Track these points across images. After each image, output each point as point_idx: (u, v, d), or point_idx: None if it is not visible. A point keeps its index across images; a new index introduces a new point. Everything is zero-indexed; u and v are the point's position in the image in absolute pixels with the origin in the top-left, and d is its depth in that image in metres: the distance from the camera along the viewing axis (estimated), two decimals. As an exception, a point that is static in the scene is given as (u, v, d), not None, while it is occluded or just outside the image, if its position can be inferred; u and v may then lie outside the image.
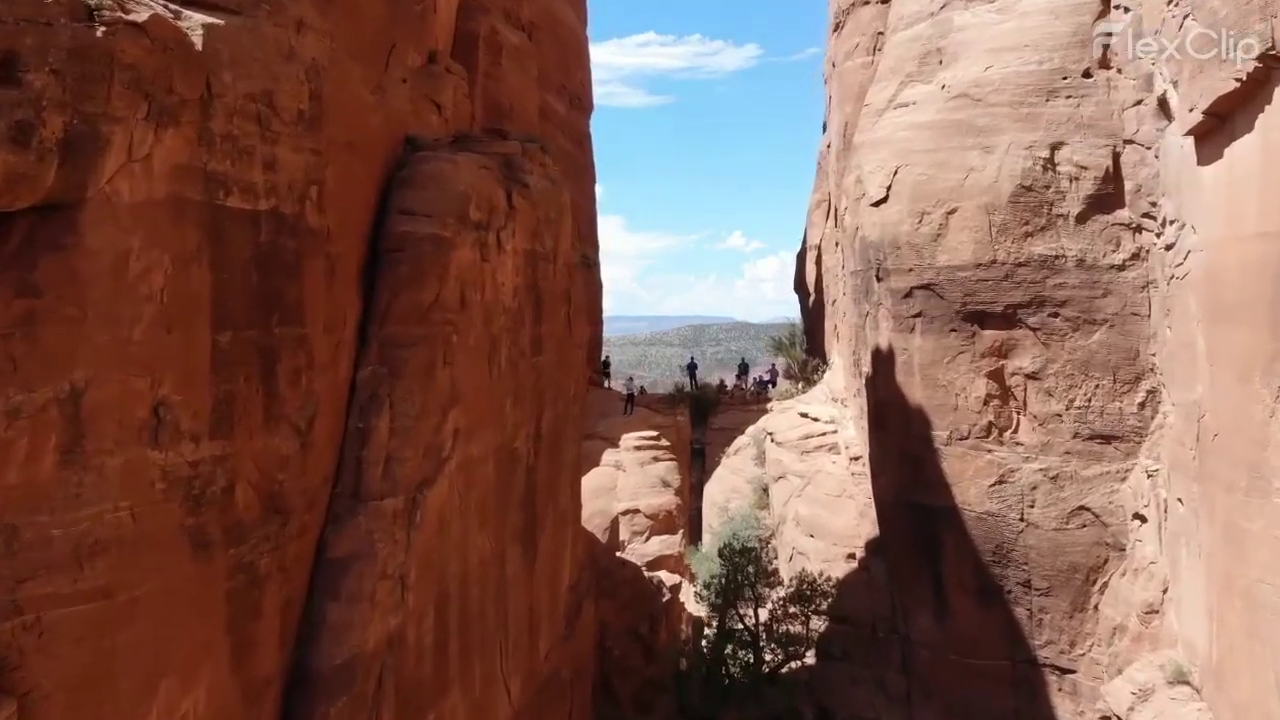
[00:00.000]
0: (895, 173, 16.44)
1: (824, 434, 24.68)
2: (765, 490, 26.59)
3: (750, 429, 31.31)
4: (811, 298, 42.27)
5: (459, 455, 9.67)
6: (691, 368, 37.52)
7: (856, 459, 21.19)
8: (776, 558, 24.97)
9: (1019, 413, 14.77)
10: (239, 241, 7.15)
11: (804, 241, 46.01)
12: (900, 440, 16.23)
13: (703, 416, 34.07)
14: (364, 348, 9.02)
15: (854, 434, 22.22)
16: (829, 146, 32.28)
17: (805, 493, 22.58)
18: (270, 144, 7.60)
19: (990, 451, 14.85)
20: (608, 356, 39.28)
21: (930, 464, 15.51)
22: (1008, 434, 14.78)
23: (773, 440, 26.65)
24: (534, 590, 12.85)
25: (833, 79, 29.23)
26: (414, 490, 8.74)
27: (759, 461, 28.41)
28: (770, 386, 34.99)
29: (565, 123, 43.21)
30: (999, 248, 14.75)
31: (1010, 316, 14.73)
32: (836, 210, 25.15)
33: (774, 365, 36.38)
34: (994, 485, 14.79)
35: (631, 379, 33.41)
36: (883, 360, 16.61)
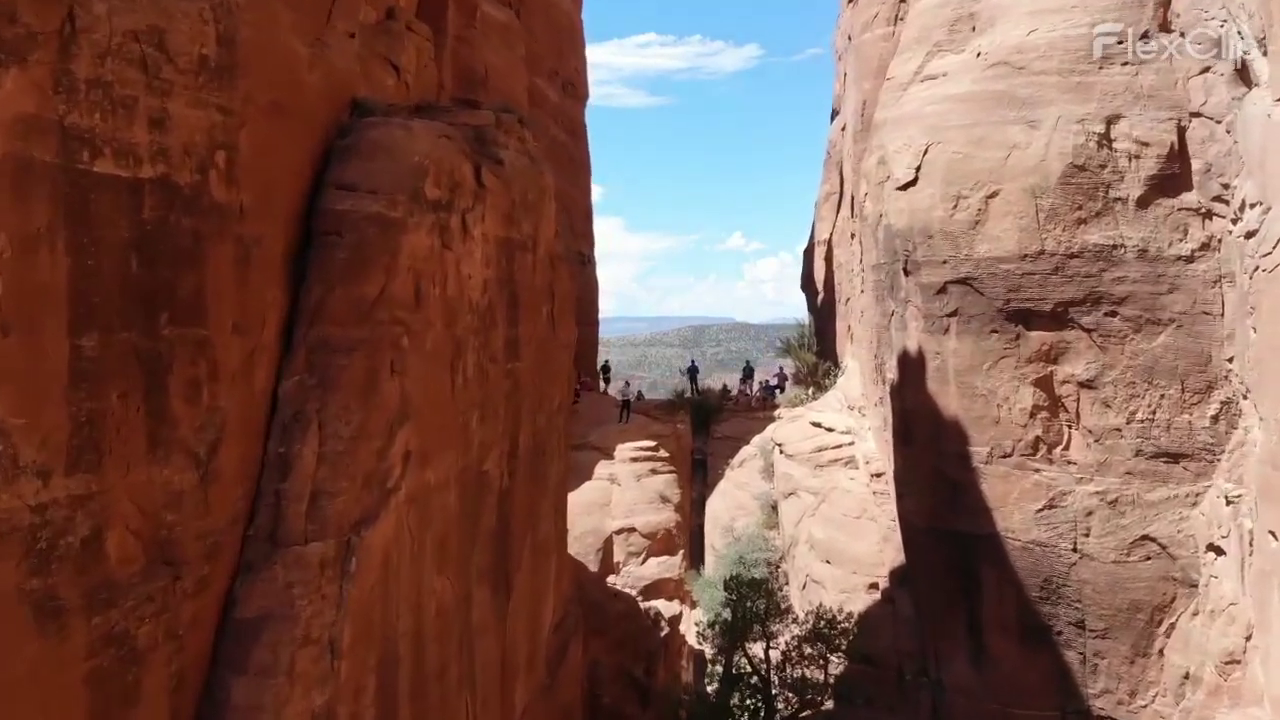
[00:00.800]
0: (925, 151, 15.13)
1: (839, 446, 23.36)
2: (774, 508, 25.27)
3: (756, 439, 29.99)
4: (820, 296, 41.06)
5: (410, 484, 8.32)
6: (692, 371, 36.21)
7: (878, 476, 19.87)
8: (787, 583, 23.66)
9: (1071, 427, 13.45)
10: (111, 219, 5.80)
11: (811, 237, 44.86)
12: (931, 457, 14.91)
13: (704, 424, 32.73)
14: (289, 354, 7.66)
15: (874, 447, 20.91)
16: (843, 129, 31.00)
17: (820, 512, 21.25)
18: (160, 96, 6.25)
19: (1038, 471, 13.53)
20: (606, 361, 37.94)
21: (967, 485, 14.20)
22: (1058, 451, 13.46)
23: (782, 452, 25.32)
24: (508, 637, 11.50)
25: (848, 53, 27.94)
26: (349, 531, 7.38)
27: (766, 475, 27.08)
28: (778, 392, 33.67)
29: (558, 110, 41.96)
30: (1047, 236, 13.43)
31: (1061, 316, 13.42)
32: (854, 198, 23.85)
33: (781, 369, 35.07)
34: (1042, 510, 13.47)
35: (627, 384, 32.09)
36: (911, 365, 15.30)
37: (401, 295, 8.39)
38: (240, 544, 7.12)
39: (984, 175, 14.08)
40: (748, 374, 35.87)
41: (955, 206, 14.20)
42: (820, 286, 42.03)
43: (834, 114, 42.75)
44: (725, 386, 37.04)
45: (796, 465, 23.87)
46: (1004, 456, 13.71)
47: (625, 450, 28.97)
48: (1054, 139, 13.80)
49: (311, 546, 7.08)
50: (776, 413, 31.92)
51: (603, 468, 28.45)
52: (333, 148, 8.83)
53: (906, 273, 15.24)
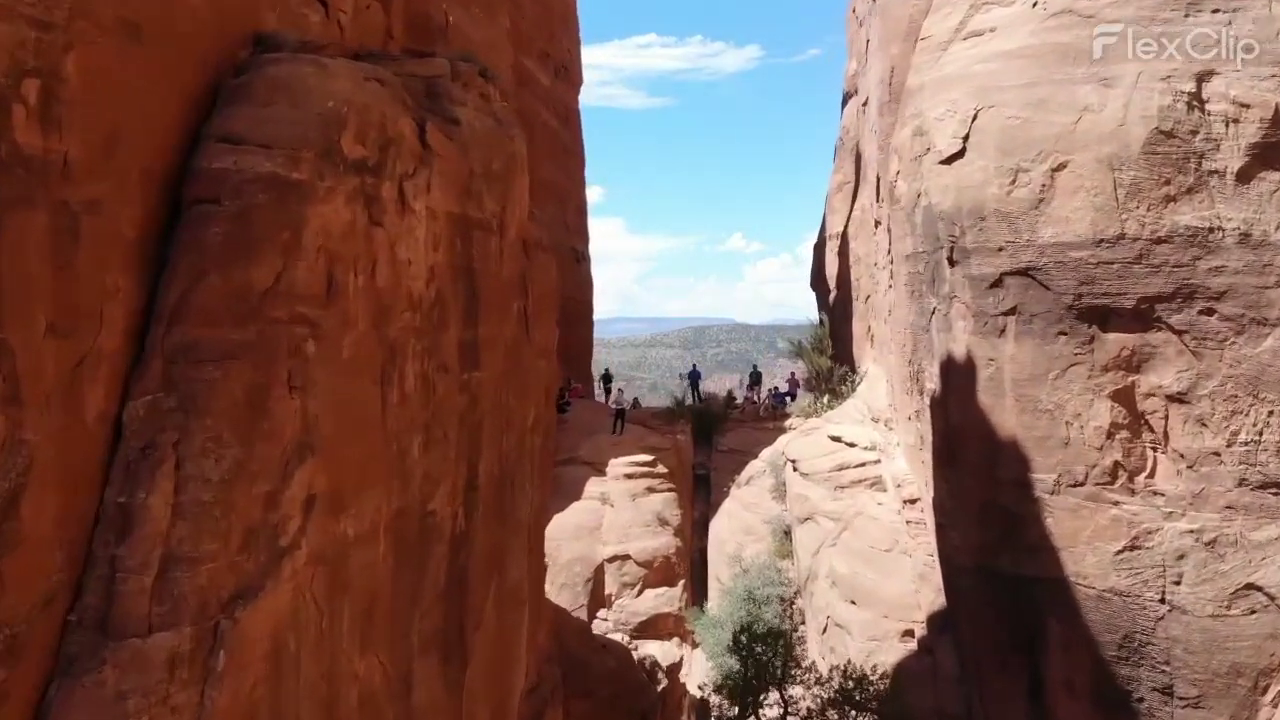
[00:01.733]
0: (974, 117, 13.39)
1: (864, 465, 21.61)
2: (787, 533, 23.51)
3: (766, 452, 28.23)
4: (833, 294, 39.47)
5: (316, 540, 6.54)
6: (693, 376, 34.44)
7: (912, 502, 18.11)
8: (803, 622, 21.89)
9: (1158, 450, 11.69)
10: None
11: (822, 231, 43.37)
12: (983, 484, 13.15)
13: (707, 435, 30.98)
14: (139, 365, 5.88)
15: (905, 467, 19.16)
16: (863, 106, 29.28)
17: (842, 542, 19.48)
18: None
19: (1117, 504, 11.76)
20: (608, 370, 36.05)
21: (1027, 519, 12.44)
22: (1142, 480, 11.70)
23: (796, 470, 23.55)
24: (465, 713, 9.71)
25: (870, 18, 26.19)
26: (217, 612, 5.60)
27: (778, 495, 25.31)
28: (788, 400, 31.88)
29: (549, 95, 40.35)
30: (1128, 217, 11.67)
31: (1145, 314, 11.66)
32: (879, 181, 22.12)
33: (793, 374, 33.27)
34: (1122, 552, 11.70)
35: (621, 391, 30.25)
36: (957, 374, 13.55)
37: (306, 284, 6.62)
38: (58, 634, 5.35)
39: (1048, 144, 12.32)
40: (755, 379, 34.09)
41: (1013, 182, 12.44)
42: (833, 284, 40.45)
43: (845, 99, 41.41)
44: (730, 393, 35.25)
45: (813, 485, 22.10)
46: (1075, 486, 11.95)
47: (619, 466, 27.22)
48: (1134, 99, 12.05)
49: (157, 638, 5.29)
50: (788, 423, 30.20)
51: (593, 485, 26.72)
52: (221, 90, 7.08)
53: (952, 262, 13.48)
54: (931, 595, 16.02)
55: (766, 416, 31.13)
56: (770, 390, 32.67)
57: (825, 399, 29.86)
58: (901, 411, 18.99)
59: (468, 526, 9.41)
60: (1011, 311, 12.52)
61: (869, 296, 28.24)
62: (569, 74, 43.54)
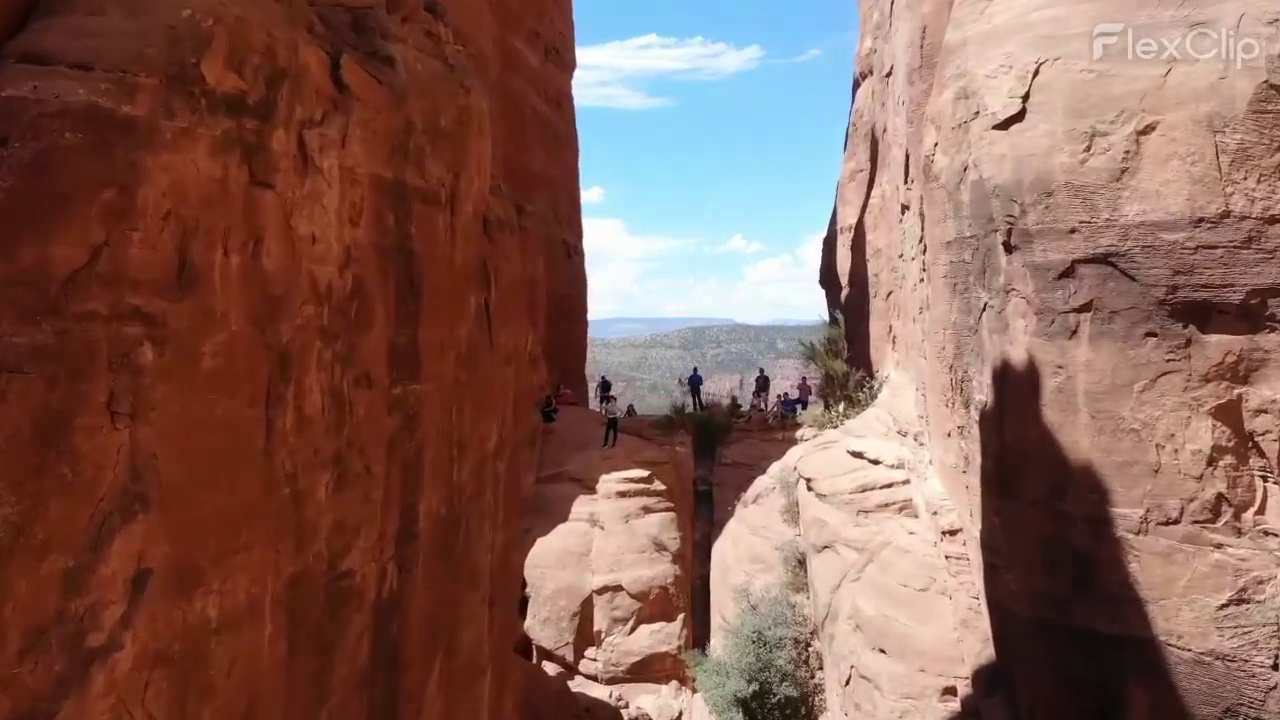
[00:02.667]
0: (1035, 73, 11.67)
1: (891, 486, 19.89)
2: (801, 563, 21.78)
3: (775, 467, 26.53)
4: (845, 292, 37.95)
5: (150, 633, 4.81)
6: (694, 381, 32.75)
7: (952, 534, 16.38)
8: (820, 667, 20.17)
9: (1269, 479, 9.96)
10: None
11: (832, 225, 41.96)
12: (1047, 518, 11.42)
13: (710, 446, 29.29)
14: None
15: (940, 490, 17.45)
16: (886, 77, 27.57)
17: (867, 576, 17.76)
18: None
19: (1219, 547, 10.03)
20: (605, 378, 34.20)
21: (1105, 563, 10.70)
22: (1250, 516, 9.97)
23: (812, 489, 21.83)
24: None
25: (896, -24, 24.46)
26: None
27: (790, 517, 23.59)
28: (799, 408, 30.12)
29: (538, 77, 38.74)
30: (1235, 190, 9.96)
31: (1255, 311, 9.93)
32: (908, 159, 20.43)
33: (803, 379, 31.56)
34: (1227, 606, 9.98)
35: (614, 399, 28.54)
36: (1016, 383, 11.82)
37: (143, 266, 4.92)
38: None
39: (1131, 101, 10.60)
40: (762, 384, 32.35)
41: (1088, 149, 10.71)
42: (845, 280, 38.95)
43: (856, 84, 40.03)
44: (735, 399, 33.51)
45: (832, 509, 20.38)
46: (1167, 524, 10.21)
47: (611, 483, 25.50)
48: (1236, 47, 10.34)
49: None
50: (799, 434, 28.49)
51: (582, 505, 24.99)
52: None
53: (1009, 248, 11.74)
54: (977, 646, 14.30)
55: (775, 426, 29.42)
56: (779, 397, 30.93)
57: (841, 407, 28.16)
58: (937, 425, 17.27)
59: (401, 586, 7.67)
60: (1086, 308, 10.79)
61: (890, 293, 26.55)
62: (560, 56, 42.01)
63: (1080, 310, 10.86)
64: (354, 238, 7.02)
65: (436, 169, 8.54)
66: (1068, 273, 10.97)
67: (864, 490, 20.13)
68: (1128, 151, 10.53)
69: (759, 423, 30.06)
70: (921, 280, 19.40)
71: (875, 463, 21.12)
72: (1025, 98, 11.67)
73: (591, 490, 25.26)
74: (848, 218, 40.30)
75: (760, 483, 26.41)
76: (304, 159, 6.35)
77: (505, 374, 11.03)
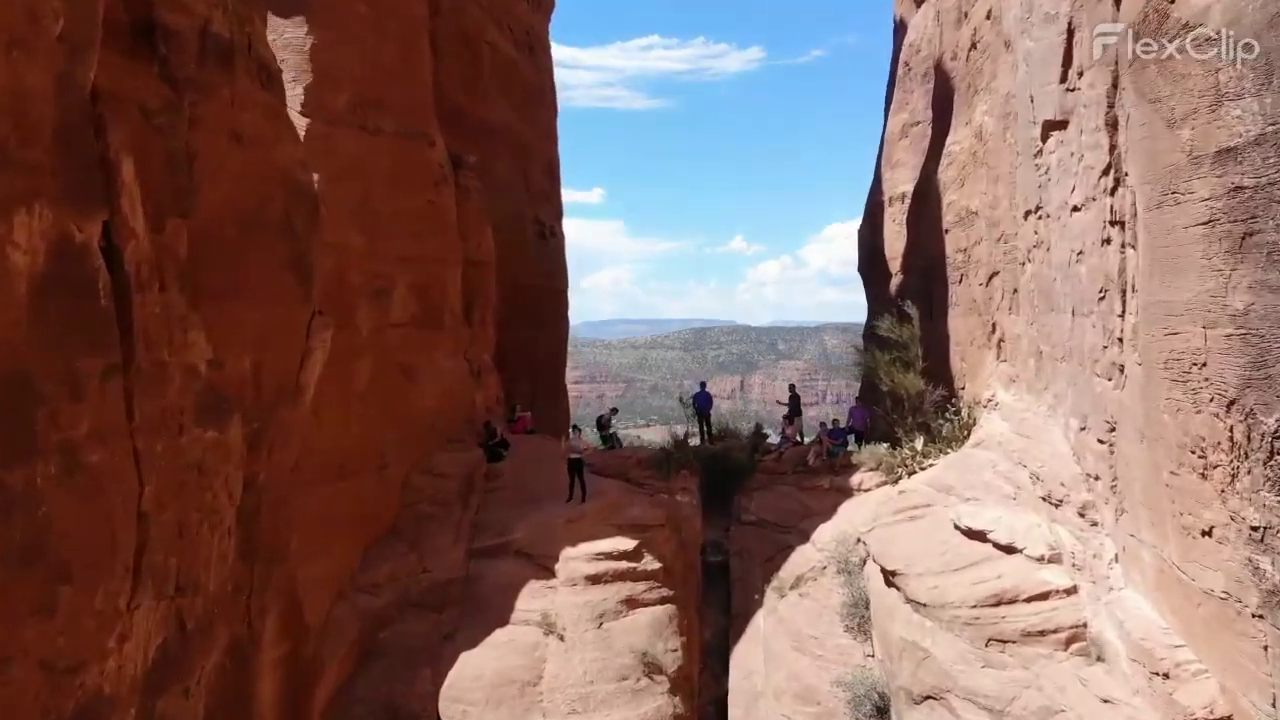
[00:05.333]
0: None
1: (1047, 596, 12.12)
2: (882, 711, 14.01)
3: (825, 532, 18.72)
4: (897, 280, 30.49)
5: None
6: (701, 403, 24.95)
7: (1210, 716, 8.69)
8: None
9: None
10: None
11: (874, 195, 34.90)
12: None
13: (724, 494, 21.58)
14: None
15: (1154, 618, 9.82)
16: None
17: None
18: None
19: None
20: (607, 416, 26.05)
21: None
22: None
23: (898, 586, 14.11)
24: None
25: None
26: None
27: (857, 623, 15.84)
28: (854, 442, 22.23)
29: (503, 11, 31.15)
30: None
31: None
32: (1071, 38, 12.75)
33: (857, 403, 23.66)
34: None
35: (578, 434, 20.47)
36: None
37: None
38: None
39: None
40: (794, 409, 24.41)
41: None
42: (898, 266, 31.48)
43: (899, 24, 33.58)
44: (759, 428, 25.56)
45: (941, 630, 12.64)
46: None
47: (576, 561, 17.59)
48: None
49: None
50: (855, 480, 20.72)
51: (532, 597, 17.06)
52: None
53: None
54: None
55: (819, 468, 21.66)
56: (822, 425, 23.02)
57: (919, 442, 20.39)
58: (1155, 503, 9.63)
59: None
60: None
61: (995, 275, 18.82)
62: (538, -1, 34.47)
63: None
64: None
65: None
66: None
67: (999, 604, 12.35)
68: None
69: (794, 461, 22.24)
70: (1105, 243, 11.66)
71: (1009, 550, 13.33)
72: None
73: (549, 572, 17.47)
74: (898, 184, 32.91)
75: (804, 557, 18.64)
76: None
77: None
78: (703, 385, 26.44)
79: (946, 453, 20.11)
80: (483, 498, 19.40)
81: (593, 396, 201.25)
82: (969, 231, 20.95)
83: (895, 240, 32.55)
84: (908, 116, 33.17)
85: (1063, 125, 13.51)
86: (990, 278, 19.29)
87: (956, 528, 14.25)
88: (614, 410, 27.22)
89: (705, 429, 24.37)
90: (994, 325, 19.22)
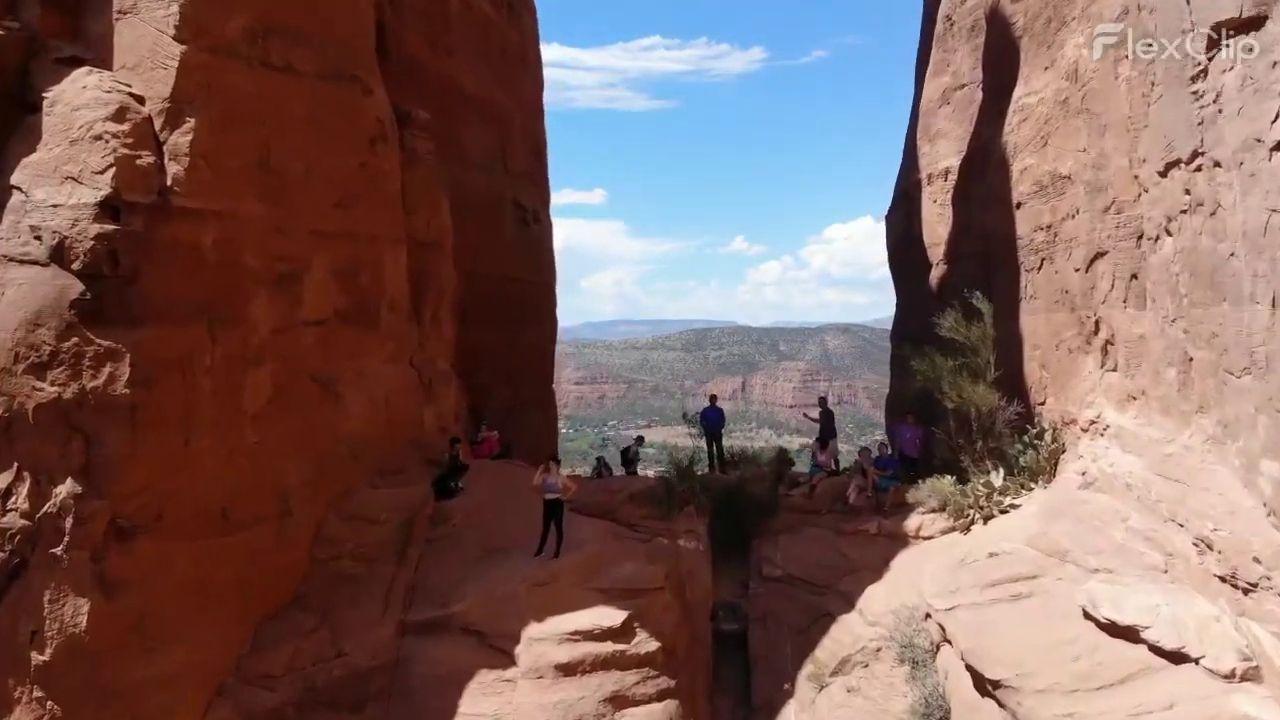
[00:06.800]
0: None
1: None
2: None
3: (877, 599, 14.29)
4: (940, 269, 26.56)
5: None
6: (710, 421, 20.69)
7: None
8: None
9: None
10: None
11: (906, 176, 31.21)
12: None
13: (741, 538, 17.33)
14: None
15: None
16: None
17: None
18: None
19: None
20: (634, 448, 22.36)
21: None
22: None
23: (1003, 709, 9.92)
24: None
25: None
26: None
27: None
28: (904, 474, 17.94)
29: None
30: None
31: None
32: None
33: (909, 421, 19.29)
34: None
35: (556, 468, 16.01)
36: None
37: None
38: None
39: None
40: (826, 428, 20.16)
41: None
42: (942, 254, 27.52)
43: None
44: (784, 454, 21.25)
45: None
46: None
47: (544, 643, 13.10)
48: None
49: None
50: (910, 524, 16.44)
51: (482, 696, 12.54)
52: None
53: None
54: None
55: (864, 507, 17.44)
56: (865, 452, 18.73)
57: (997, 476, 16.13)
58: None
59: None
60: None
61: (1100, 256, 14.63)
62: (522, -46, 30.31)
63: None
64: None
65: None
66: None
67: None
68: None
69: (830, 497, 18.01)
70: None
71: (1176, 658, 9.15)
72: None
73: (506, 657, 13.24)
74: (940, 159, 29.03)
75: (849, 632, 14.41)
76: None
77: None
78: (713, 400, 22.13)
79: (1028, 488, 15.93)
80: (425, 549, 15.19)
81: (594, 397, 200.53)
82: (1056, 203, 16.72)
83: (937, 224, 28.51)
84: (949, 80, 29.14)
85: (1254, 24, 9.30)
86: (1092, 260, 15.08)
87: (1088, 616, 10.03)
88: (640, 439, 23.20)
89: (716, 452, 20.14)
90: (1097, 323, 15.01)
